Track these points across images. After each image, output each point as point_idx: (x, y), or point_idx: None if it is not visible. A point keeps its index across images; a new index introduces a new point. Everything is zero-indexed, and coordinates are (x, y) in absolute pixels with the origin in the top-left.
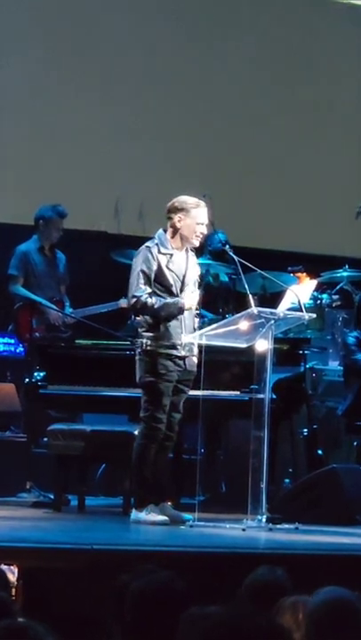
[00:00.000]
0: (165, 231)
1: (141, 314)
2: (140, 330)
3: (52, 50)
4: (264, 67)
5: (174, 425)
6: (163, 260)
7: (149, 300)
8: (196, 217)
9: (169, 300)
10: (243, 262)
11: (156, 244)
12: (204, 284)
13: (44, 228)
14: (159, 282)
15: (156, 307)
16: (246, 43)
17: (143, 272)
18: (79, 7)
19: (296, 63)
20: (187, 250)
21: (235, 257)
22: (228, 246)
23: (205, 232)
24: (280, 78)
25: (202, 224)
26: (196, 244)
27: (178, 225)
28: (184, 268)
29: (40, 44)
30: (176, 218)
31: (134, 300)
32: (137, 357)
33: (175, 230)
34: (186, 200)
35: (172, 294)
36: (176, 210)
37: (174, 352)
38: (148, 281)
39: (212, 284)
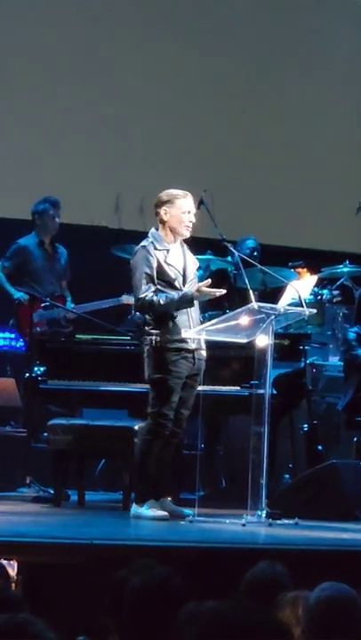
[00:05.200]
0: (157, 229)
1: (151, 313)
2: (147, 327)
3: (53, 49)
4: (264, 64)
5: (182, 422)
6: (160, 256)
7: (155, 298)
8: (181, 206)
9: (175, 295)
10: (243, 257)
11: (151, 242)
12: (205, 278)
13: (40, 221)
14: (161, 278)
15: (163, 303)
16: (246, 41)
17: (144, 272)
18: (79, 7)
19: (296, 60)
20: (181, 243)
21: (235, 252)
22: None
23: (194, 220)
24: (280, 75)
25: (188, 212)
26: (187, 234)
27: (165, 217)
28: (182, 261)
29: (40, 43)
30: (162, 211)
31: (140, 301)
32: (145, 354)
33: (164, 224)
34: (169, 192)
35: (175, 289)
36: (161, 203)
37: (185, 346)
38: (151, 280)
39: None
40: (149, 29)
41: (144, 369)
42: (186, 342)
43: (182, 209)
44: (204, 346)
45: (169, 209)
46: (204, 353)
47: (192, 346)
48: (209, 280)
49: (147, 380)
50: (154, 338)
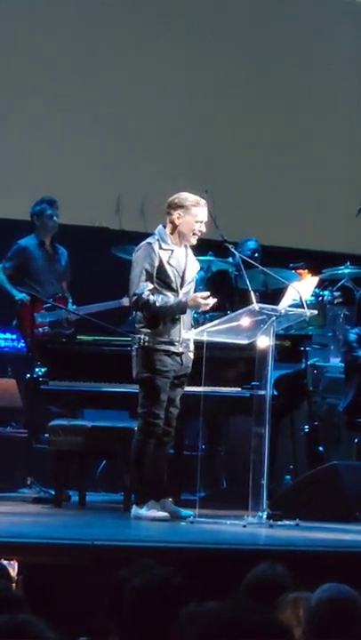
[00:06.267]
0: (165, 227)
1: (144, 311)
2: (137, 325)
3: (53, 49)
4: (264, 65)
5: (172, 420)
6: (164, 255)
7: (151, 298)
8: (195, 215)
9: (171, 299)
10: (244, 259)
11: (157, 240)
12: (205, 279)
13: (39, 222)
14: (160, 278)
15: (158, 305)
16: (246, 41)
17: (145, 269)
18: (79, 7)
19: (296, 61)
20: (186, 246)
21: (236, 253)
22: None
23: (204, 230)
24: (280, 76)
25: (201, 222)
26: (194, 242)
27: (177, 222)
28: (183, 263)
29: (40, 43)
30: (175, 214)
31: (135, 297)
32: (133, 353)
33: (174, 226)
34: (187, 197)
35: (172, 290)
36: (176, 206)
37: (172, 348)
38: (149, 277)
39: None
40: (149, 29)
41: (132, 368)
42: (173, 345)
43: (196, 218)
44: (192, 347)
45: (183, 214)
46: (191, 355)
47: (179, 349)
48: (207, 293)
49: (135, 379)
50: (142, 337)
